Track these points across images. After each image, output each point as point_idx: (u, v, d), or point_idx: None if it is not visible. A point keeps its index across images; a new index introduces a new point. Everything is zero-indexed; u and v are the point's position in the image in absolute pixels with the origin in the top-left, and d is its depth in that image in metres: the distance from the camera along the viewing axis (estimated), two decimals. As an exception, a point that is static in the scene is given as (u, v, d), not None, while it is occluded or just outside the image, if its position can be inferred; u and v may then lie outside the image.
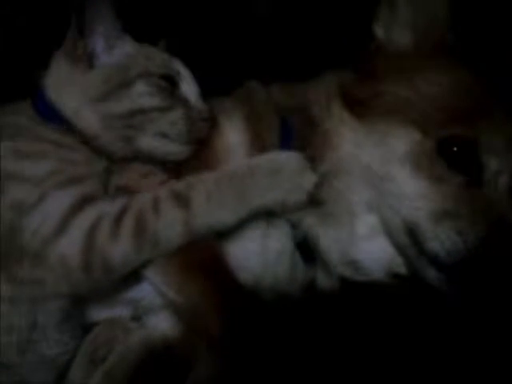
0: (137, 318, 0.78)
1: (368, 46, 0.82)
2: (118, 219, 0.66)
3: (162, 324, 0.76)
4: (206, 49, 1.02)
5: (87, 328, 0.75)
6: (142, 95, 0.74)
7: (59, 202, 0.66)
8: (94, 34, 0.75)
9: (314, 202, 0.73)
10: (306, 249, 0.78)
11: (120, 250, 0.65)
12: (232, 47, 1.12)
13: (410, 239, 0.70)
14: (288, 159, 0.72)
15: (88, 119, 0.74)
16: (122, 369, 0.72)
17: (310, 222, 0.76)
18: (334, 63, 0.88)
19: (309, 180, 0.71)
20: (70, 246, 0.64)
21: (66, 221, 0.65)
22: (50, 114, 0.75)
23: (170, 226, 0.66)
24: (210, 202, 0.67)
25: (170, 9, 1.09)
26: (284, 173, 0.70)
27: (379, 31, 0.81)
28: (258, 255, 0.77)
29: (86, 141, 0.75)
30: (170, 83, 0.77)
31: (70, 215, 0.65)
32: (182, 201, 0.67)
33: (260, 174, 0.70)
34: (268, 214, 0.75)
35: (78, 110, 0.74)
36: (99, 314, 0.76)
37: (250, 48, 1.12)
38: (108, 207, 0.67)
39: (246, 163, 0.72)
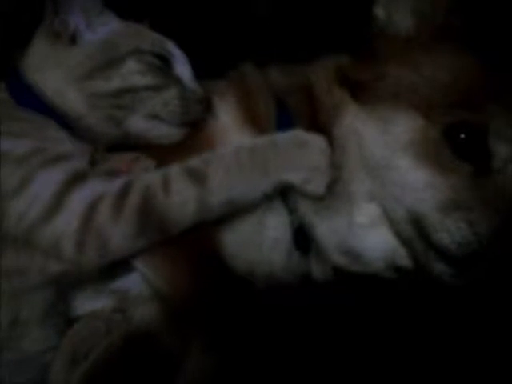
0: (122, 310, 0.74)
1: (366, 30, 0.79)
2: (121, 198, 0.61)
3: (149, 317, 0.72)
4: (203, 42, 0.98)
5: (71, 322, 0.71)
6: (133, 73, 0.70)
7: (48, 180, 0.61)
8: (71, 10, 0.71)
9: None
10: (302, 236, 0.75)
11: (121, 232, 0.61)
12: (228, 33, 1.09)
13: (415, 231, 0.67)
14: (313, 137, 0.68)
15: (72, 99, 0.71)
16: (104, 367, 0.67)
17: (306, 207, 0.73)
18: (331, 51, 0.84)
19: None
20: (65, 225, 0.60)
21: (59, 199, 0.60)
22: (28, 98, 0.71)
23: (182, 205, 0.62)
24: (229, 175, 0.63)
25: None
26: (310, 149, 0.66)
27: (380, 13, 0.78)
28: (254, 243, 0.73)
29: (70, 126, 0.71)
30: (163, 62, 0.73)
31: (62, 193, 0.61)
32: (197, 177, 0.63)
33: (284, 147, 0.66)
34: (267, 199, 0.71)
35: (61, 89, 0.71)
36: (84, 306, 0.72)
37: (248, 37, 1.09)
38: (107, 185, 0.63)
39: (268, 138, 0.68)
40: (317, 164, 0.66)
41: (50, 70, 0.71)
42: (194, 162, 0.65)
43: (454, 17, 0.76)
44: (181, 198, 0.62)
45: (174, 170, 0.64)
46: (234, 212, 0.68)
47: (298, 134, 0.68)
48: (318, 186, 0.67)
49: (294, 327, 0.69)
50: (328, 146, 0.68)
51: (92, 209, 0.61)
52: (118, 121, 0.71)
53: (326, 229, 0.73)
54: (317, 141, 0.68)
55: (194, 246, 0.67)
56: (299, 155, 0.66)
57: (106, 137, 0.73)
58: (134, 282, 0.71)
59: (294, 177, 0.66)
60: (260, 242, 0.74)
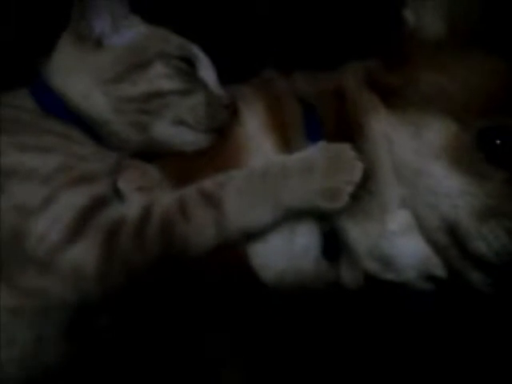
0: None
1: (396, 33, 0.77)
2: (141, 224, 0.59)
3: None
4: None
5: (97, 334, 0.68)
6: (160, 77, 0.69)
7: (70, 203, 0.59)
8: (98, 13, 0.71)
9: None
10: (332, 241, 0.73)
11: (145, 259, 0.59)
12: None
13: (450, 239, 0.65)
14: (319, 154, 0.65)
15: (98, 103, 0.69)
16: None
17: (337, 215, 0.71)
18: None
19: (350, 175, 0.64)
20: (84, 254, 0.58)
21: (78, 226, 0.58)
22: (53, 103, 0.69)
23: (201, 229, 0.60)
24: (241, 201, 0.61)
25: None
26: (315, 172, 0.63)
27: (409, 17, 0.76)
28: (283, 251, 0.71)
29: (94, 132, 0.70)
30: (189, 66, 0.72)
31: (82, 219, 0.59)
32: (212, 200, 0.61)
33: (292, 174, 0.63)
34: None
35: (86, 93, 0.69)
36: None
37: (259, 44, 1.08)
38: (125, 210, 0.61)
39: (280, 161, 0.65)
40: (326, 187, 0.64)
41: (76, 74, 0.70)
42: (208, 184, 0.63)
43: (485, 21, 0.74)
44: (199, 223, 0.60)
45: (189, 193, 0.62)
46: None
47: (308, 157, 0.65)
48: (331, 207, 0.65)
49: (324, 338, 0.69)
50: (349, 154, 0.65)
51: (113, 236, 0.59)
52: (144, 126, 0.70)
53: (359, 233, 0.71)
54: (325, 157, 0.65)
55: (220, 256, 0.65)
56: (308, 181, 0.63)
57: (131, 143, 0.71)
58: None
59: (303, 205, 0.64)
60: (289, 251, 0.72)
